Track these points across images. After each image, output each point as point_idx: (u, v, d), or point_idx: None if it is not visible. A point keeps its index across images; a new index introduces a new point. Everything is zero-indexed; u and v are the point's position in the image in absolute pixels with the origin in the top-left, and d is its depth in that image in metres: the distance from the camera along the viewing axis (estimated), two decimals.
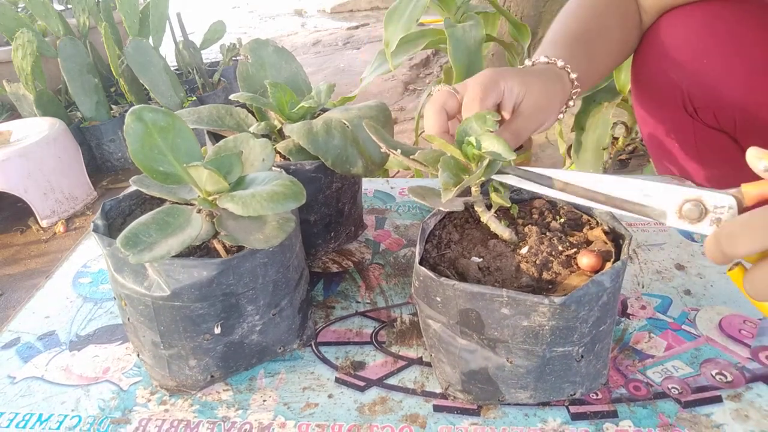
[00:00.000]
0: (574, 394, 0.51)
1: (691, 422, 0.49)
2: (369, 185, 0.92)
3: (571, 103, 0.62)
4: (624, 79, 1.19)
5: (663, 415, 0.50)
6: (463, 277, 0.49)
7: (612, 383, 0.53)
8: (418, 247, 0.51)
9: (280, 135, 0.70)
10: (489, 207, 0.53)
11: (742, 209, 0.38)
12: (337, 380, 0.56)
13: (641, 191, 0.42)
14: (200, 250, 0.52)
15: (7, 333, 0.66)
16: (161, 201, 0.55)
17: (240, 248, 0.51)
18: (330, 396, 0.55)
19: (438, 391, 0.54)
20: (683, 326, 0.60)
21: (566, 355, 0.47)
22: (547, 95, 0.57)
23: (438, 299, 0.47)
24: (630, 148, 1.70)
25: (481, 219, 0.52)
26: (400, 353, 0.59)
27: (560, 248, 0.50)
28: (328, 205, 0.72)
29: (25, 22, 2.11)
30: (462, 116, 0.54)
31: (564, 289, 0.46)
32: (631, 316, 0.61)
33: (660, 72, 0.74)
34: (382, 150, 0.52)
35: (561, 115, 0.62)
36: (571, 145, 1.43)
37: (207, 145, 0.70)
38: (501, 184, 0.50)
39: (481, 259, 0.50)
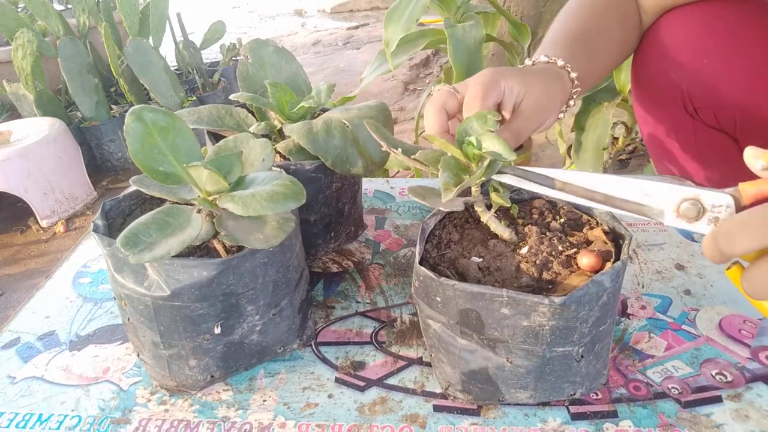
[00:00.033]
0: (574, 394, 0.51)
1: (691, 422, 0.49)
2: (369, 185, 0.92)
3: (571, 102, 0.62)
4: (624, 79, 1.19)
5: (663, 415, 0.50)
6: (463, 277, 0.49)
7: (612, 383, 0.53)
8: (418, 247, 0.51)
9: (280, 135, 0.70)
10: (489, 207, 0.53)
11: (740, 208, 0.38)
12: (337, 380, 0.56)
13: (639, 190, 0.42)
14: (200, 250, 0.52)
15: (7, 333, 0.66)
16: (161, 201, 0.55)
17: (240, 248, 0.51)
18: (330, 396, 0.55)
19: (438, 391, 0.54)
20: (683, 326, 0.60)
21: (566, 355, 0.47)
22: (547, 94, 0.57)
23: (438, 299, 0.47)
24: (630, 148, 1.70)
25: (481, 219, 0.52)
26: (400, 353, 0.59)
27: (560, 248, 0.50)
28: (328, 205, 0.72)
29: (25, 22, 2.11)
30: (463, 116, 0.54)
31: (564, 289, 0.46)
32: (631, 316, 0.61)
33: (660, 72, 0.74)
34: (382, 149, 0.52)
35: (561, 115, 0.62)
36: (571, 145, 1.43)
37: (207, 145, 0.70)
38: (501, 184, 0.50)
39: (481, 259, 0.50)
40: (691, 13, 0.70)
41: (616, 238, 0.50)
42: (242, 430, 0.52)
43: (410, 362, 0.58)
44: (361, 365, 0.58)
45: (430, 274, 0.46)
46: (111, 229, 0.55)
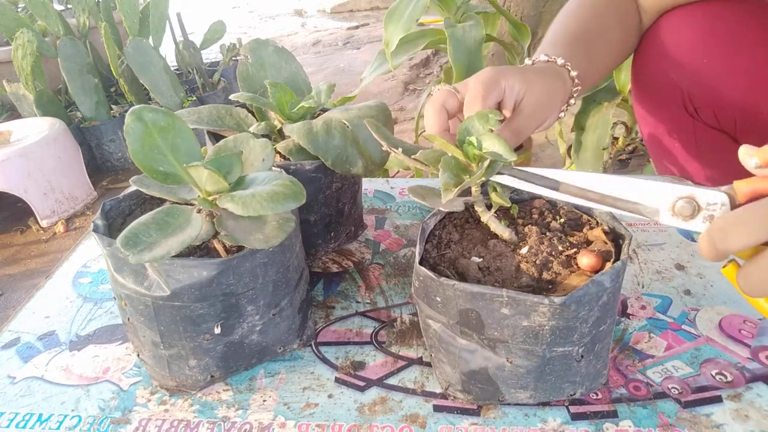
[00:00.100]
0: (574, 394, 0.51)
1: (691, 422, 0.49)
2: (369, 185, 0.92)
3: (572, 101, 0.62)
4: (624, 79, 1.19)
5: (663, 415, 0.50)
6: (463, 277, 0.49)
7: (612, 383, 0.53)
8: (418, 247, 0.51)
9: (280, 135, 0.70)
10: (489, 207, 0.53)
11: (735, 206, 0.38)
12: (337, 380, 0.56)
13: (635, 190, 0.42)
14: (200, 250, 0.52)
15: (7, 333, 0.66)
16: (161, 201, 0.55)
17: (240, 248, 0.51)
18: (330, 396, 0.55)
19: (438, 391, 0.54)
20: (683, 326, 0.60)
21: (566, 355, 0.47)
22: (548, 93, 0.57)
23: (438, 299, 0.47)
24: (630, 148, 1.70)
25: (481, 219, 0.52)
26: (400, 353, 0.59)
27: (560, 248, 0.50)
28: (328, 205, 0.72)
29: (25, 22, 2.11)
30: (464, 115, 0.53)
31: (564, 289, 0.46)
32: (631, 316, 0.61)
33: (660, 72, 0.74)
34: (383, 148, 0.52)
35: (562, 114, 0.62)
36: (571, 145, 1.43)
37: (207, 145, 0.70)
38: (500, 183, 0.50)
39: (481, 259, 0.50)
40: (691, 13, 0.70)
41: (616, 238, 0.50)
42: (242, 430, 0.52)
43: (410, 362, 0.58)
44: (361, 365, 0.58)
45: (430, 274, 0.46)
46: (111, 229, 0.55)
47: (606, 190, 0.43)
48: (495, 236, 0.52)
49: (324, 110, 0.74)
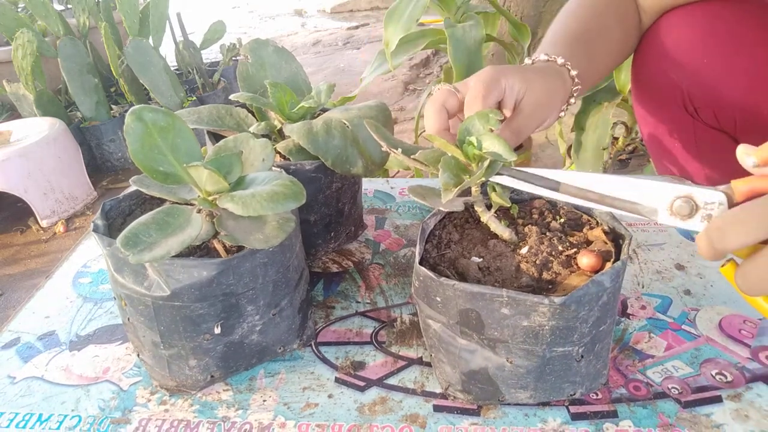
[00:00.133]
0: (574, 394, 0.51)
1: (691, 422, 0.49)
2: (369, 185, 0.92)
3: (572, 100, 0.62)
4: (624, 79, 1.19)
5: (663, 415, 0.50)
6: (463, 277, 0.49)
7: (612, 383, 0.53)
8: (418, 247, 0.51)
9: (280, 135, 0.70)
10: (489, 207, 0.53)
11: (733, 205, 0.38)
12: (337, 380, 0.56)
13: (633, 189, 0.42)
14: (200, 250, 0.52)
15: (7, 333, 0.66)
16: (161, 201, 0.55)
17: (240, 248, 0.51)
18: (330, 396, 0.55)
19: (438, 391, 0.54)
20: (683, 326, 0.60)
21: (566, 355, 0.47)
22: (548, 92, 0.57)
23: (438, 299, 0.47)
24: (630, 148, 1.70)
25: (481, 219, 0.52)
26: (400, 353, 0.59)
27: (560, 248, 0.50)
28: (328, 205, 0.72)
29: (25, 22, 2.10)
30: (464, 114, 0.53)
31: (564, 289, 0.46)
32: (631, 316, 0.61)
33: (660, 72, 0.74)
34: (382, 149, 0.52)
35: (562, 113, 0.62)
36: (571, 145, 1.43)
37: (207, 145, 0.70)
38: (500, 184, 0.50)
39: (481, 259, 0.50)
40: (691, 13, 0.70)
41: (616, 238, 0.50)
42: (242, 430, 0.52)
43: (410, 362, 0.58)
44: (361, 365, 0.58)
45: (430, 274, 0.46)
46: (111, 229, 0.55)
47: (605, 189, 0.43)
48: (495, 236, 0.52)
49: (324, 110, 0.74)
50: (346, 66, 3.26)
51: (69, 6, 2.59)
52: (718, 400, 0.51)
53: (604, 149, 1.31)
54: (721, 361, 0.55)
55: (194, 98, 2.31)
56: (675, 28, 0.71)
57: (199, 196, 0.48)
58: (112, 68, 2.09)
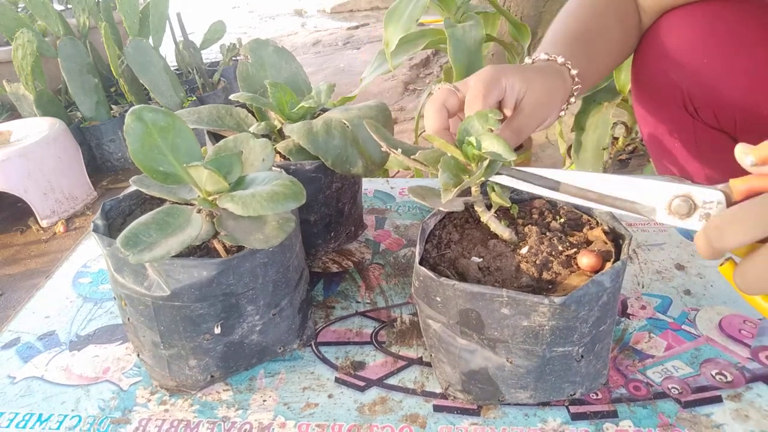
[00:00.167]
0: (574, 394, 0.51)
1: (691, 422, 0.49)
2: (369, 185, 0.92)
3: (572, 99, 0.62)
4: (624, 79, 1.19)
5: (663, 415, 0.50)
6: (463, 277, 0.48)
7: (612, 383, 0.53)
8: (418, 247, 0.51)
9: (280, 135, 0.70)
10: (489, 207, 0.53)
11: (731, 204, 0.38)
12: (337, 380, 0.56)
13: (631, 188, 0.42)
14: (200, 250, 0.52)
15: (7, 333, 0.66)
16: (161, 201, 0.55)
17: (240, 248, 0.51)
18: (330, 396, 0.55)
19: (438, 391, 0.54)
20: (683, 326, 0.60)
21: (566, 355, 0.47)
22: (548, 91, 0.57)
23: (438, 299, 0.47)
24: (630, 148, 1.70)
25: (481, 219, 0.52)
26: (400, 353, 0.59)
27: (560, 248, 0.50)
28: (328, 205, 0.72)
29: (25, 22, 2.10)
30: (465, 114, 0.53)
31: (564, 289, 0.46)
32: (631, 316, 0.61)
33: (660, 72, 0.74)
34: (382, 149, 0.52)
35: (562, 113, 0.62)
36: (571, 145, 1.43)
37: (207, 145, 0.70)
38: (499, 184, 0.50)
39: (481, 259, 0.50)
40: (691, 13, 0.70)
41: (616, 238, 0.50)
42: (242, 430, 0.52)
43: (410, 362, 0.58)
44: (361, 365, 0.58)
45: (430, 274, 0.46)
46: (111, 229, 0.55)
47: (603, 189, 0.43)
48: (495, 236, 0.52)
49: (324, 110, 0.74)
50: (346, 66, 3.26)
51: (69, 6, 2.59)
52: (718, 400, 0.51)
53: (604, 149, 1.31)
54: (721, 361, 0.55)
55: (194, 98, 2.31)
56: (675, 28, 0.71)
57: (199, 196, 0.48)
58: (112, 68, 2.09)
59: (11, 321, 0.68)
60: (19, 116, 2.17)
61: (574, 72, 0.60)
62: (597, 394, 0.52)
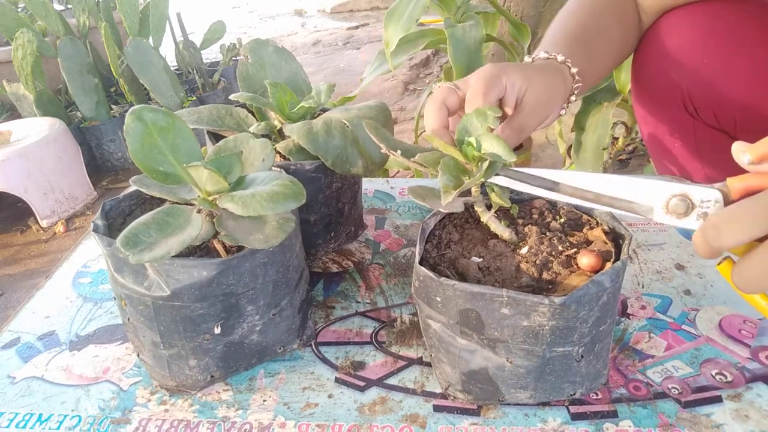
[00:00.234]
0: (574, 394, 0.51)
1: (691, 422, 0.49)
2: (369, 185, 0.92)
3: (572, 98, 0.62)
4: (624, 79, 1.19)
5: (663, 415, 0.50)
6: (463, 277, 0.48)
7: (612, 383, 0.53)
8: (418, 247, 0.51)
9: (280, 135, 0.70)
10: (489, 207, 0.53)
11: (729, 202, 0.39)
12: (337, 380, 0.56)
13: (629, 188, 0.42)
14: (200, 250, 0.52)
15: (7, 333, 0.66)
16: (161, 201, 0.55)
17: (240, 248, 0.51)
18: (330, 396, 0.55)
19: (438, 391, 0.54)
20: (683, 326, 0.60)
21: (566, 355, 0.47)
22: (549, 89, 0.57)
23: (438, 299, 0.47)
24: (630, 148, 1.70)
25: (481, 219, 0.52)
26: (400, 353, 0.59)
27: (560, 248, 0.50)
28: (328, 205, 0.72)
29: (25, 22, 2.10)
30: (465, 112, 0.53)
31: (564, 289, 0.46)
32: (631, 316, 0.61)
33: (660, 72, 0.74)
34: (382, 150, 0.52)
35: (563, 111, 0.62)
36: (571, 145, 1.43)
37: (207, 145, 0.70)
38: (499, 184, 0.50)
39: (481, 259, 0.50)
40: (691, 13, 0.70)
41: (616, 238, 0.50)
42: (242, 430, 0.52)
43: (410, 362, 0.58)
44: (361, 365, 0.58)
45: (430, 274, 0.46)
46: (111, 229, 0.55)
47: (601, 189, 0.43)
48: (495, 236, 0.52)
49: (324, 110, 0.74)
50: (346, 66, 3.26)
51: (69, 6, 2.59)
52: (718, 400, 0.51)
53: (604, 149, 1.31)
54: (721, 361, 0.55)
55: (194, 98, 2.31)
56: (675, 28, 0.71)
57: (199, 196, 0.48)
58: (112, 68, 2.09)
59: (11, 321, 0.68)
60: (19, 116, 2.17)
61: (574, 70, 0.60)
62: (597, 394, 0.52)
